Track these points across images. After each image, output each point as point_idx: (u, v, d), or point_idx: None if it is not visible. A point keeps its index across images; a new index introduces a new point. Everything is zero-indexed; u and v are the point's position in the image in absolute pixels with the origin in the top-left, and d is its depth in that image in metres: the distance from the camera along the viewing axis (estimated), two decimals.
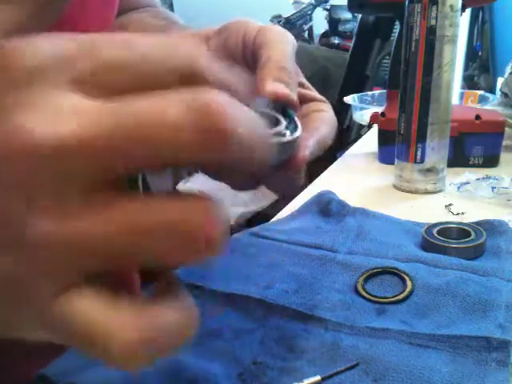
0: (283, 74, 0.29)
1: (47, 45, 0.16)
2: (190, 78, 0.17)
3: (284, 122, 0.26)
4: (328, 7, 3.36)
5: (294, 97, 0.29)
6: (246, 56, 0.34)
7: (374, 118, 0.79)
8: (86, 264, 0.17)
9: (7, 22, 0.20)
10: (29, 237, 0.16)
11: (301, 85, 0.35)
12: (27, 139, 0.15)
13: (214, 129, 0.15)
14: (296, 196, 0.62)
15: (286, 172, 0.27)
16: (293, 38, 0.33)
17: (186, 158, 0.16)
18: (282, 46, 0.32)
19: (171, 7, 3.91)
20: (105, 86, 0.17)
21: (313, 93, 0.36)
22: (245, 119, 0.16)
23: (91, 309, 0.16)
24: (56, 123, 0.15)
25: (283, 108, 0.28)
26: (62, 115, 0.15)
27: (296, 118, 0.28)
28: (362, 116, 0.99)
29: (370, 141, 0.86)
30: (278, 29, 0.34)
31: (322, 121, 0.33)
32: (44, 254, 0.16)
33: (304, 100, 0.35)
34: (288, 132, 0.26)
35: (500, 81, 1.03)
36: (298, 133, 0.26)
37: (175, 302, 0.18)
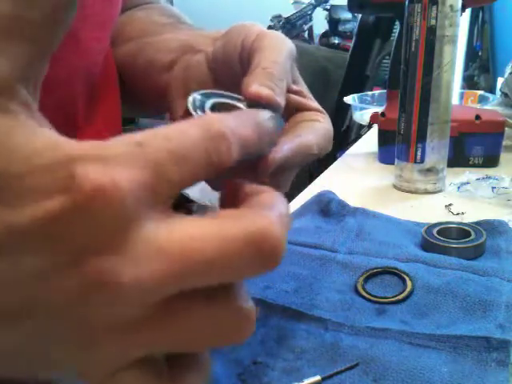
0: (268, 79, 0.29)
1: (128, 181, 0.16)
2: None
3: None
4: (328, 7, 3.35)
5: (280, 101, 0.29)
6: (243, 59, 0.34)
7: (374, 118, 0.79)
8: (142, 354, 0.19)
9: (18, 59, 0.18)
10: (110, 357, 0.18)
11: (298, 93, 0.34)
12: (111, 287, 0.16)
13: (269, 256, 0.18)
14: (295, 196, 0.62)
15: (253, 172, 0.26)
16: (292, 44, 0.33)
17: (240, 277, 0.19)
18: (277, 52, 0.31)
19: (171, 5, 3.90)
20: (171, 197, 0.18)
21: (310, 102, 0.35)
22: (286, 230, 0.19)
23: None
24: (137, 266, 0.16)
25: None
26: (142, 256, 0.17)
27: None
28: (362, 116, 0.99)
29: (369, 141, 0.86)
30: (277, 35, 0.33)
31: (311, 130, 0.32)
32: (114, 359, 0.18)
33: (300, 109, 0.34)
34: None
35: (500, 81, 1.03)
36: None
37: (200, 368, 0.20)
